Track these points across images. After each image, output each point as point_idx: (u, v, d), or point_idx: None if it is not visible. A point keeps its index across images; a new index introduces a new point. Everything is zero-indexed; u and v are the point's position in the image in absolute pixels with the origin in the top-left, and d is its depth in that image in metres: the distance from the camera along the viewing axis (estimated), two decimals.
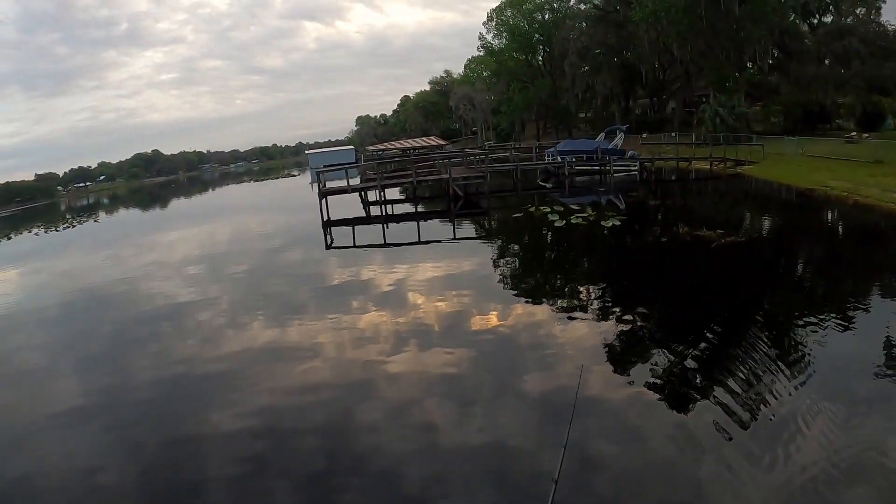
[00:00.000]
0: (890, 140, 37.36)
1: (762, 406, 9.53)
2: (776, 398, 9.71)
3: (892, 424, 8.77)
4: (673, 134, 57.47)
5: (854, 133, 45.45)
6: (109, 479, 9.53)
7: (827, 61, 52.39)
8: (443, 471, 8.74)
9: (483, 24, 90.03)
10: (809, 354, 11.26)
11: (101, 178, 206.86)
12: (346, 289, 20.17)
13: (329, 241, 30.55)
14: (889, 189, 25.75)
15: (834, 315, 13.25)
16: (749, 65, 59.79)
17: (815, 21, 58.72)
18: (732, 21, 52.67)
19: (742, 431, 8.86)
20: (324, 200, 35.41)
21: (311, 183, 57.82)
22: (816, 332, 12.34)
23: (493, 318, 15.31)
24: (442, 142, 72.55)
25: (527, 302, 16.78)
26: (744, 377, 10.63)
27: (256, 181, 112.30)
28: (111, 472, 9.73)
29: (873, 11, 53.19)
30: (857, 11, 54.42)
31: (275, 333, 15.98)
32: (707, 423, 9.19)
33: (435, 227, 32.44)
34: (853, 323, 12.80)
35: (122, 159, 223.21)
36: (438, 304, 17.10)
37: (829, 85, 50.15)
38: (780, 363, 11.00)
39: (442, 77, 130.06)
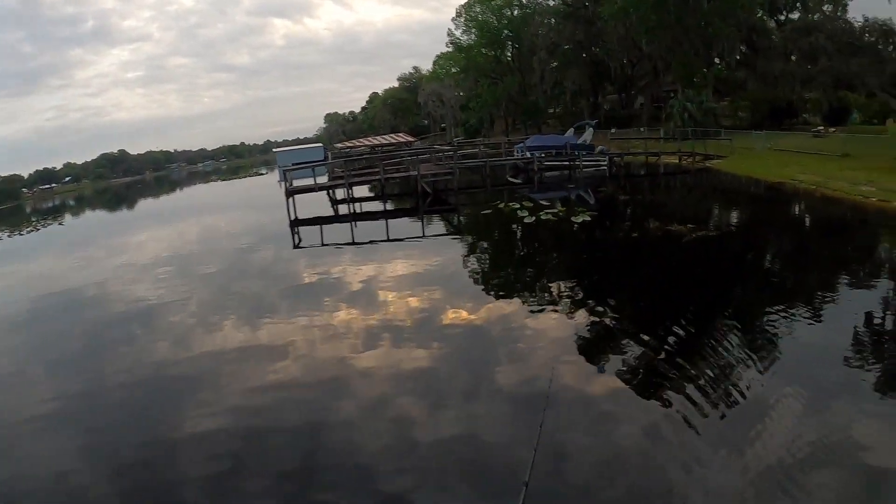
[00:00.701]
0: (856, 134, 37.82)
1: (732, 396, 9.63)
2: (746, 388, 9.81)
3: (858, 411, 8.88)
4: (642, 129, 57.81)
5: (821, 127, 46.01)
6: (83, 480, 9.34)
7: (794, 57, 52.93)
8: (414, 469, 8.61)
9: (452, 20, 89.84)
10: (778, 344, 11.47)
11: (67, 179, 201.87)
12: (316, 288, 19.69)
13: (297, 241, 29.90)
14: (856, 182, 25.95)
15: (802, 306, 13.49)
16: (717, 60, 60.19)
17: (783, 17, 59.28)
18: (701, 17, 53.00)
19: (713, 421, 8.96)
20: (291, 199, 34.66)
21: (279, 181, 57.01)
22: (785, 322, 12.47)
23: (463, 314, 15.04)
24: (410, 138, 71.91)
25: (497, 298, 16.45)
26: (715, 368, 10.69)
27: (224, 180, 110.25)
28: (84, 473, 9.53)
29: (840, 8, 53.69)
30: (824, 8, 54.91)
31: (246, 333, 15.58)
32: (678, 413, 9.24)
33: (404, 225, 32.01)
34: (821, 313, 13.06)
35: (88, 160, 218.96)
36: (409, 301, 16.78)
37: (795, 81, 50.70)
38: (749, 354, 11.10)
39: (411, 74, 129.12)
